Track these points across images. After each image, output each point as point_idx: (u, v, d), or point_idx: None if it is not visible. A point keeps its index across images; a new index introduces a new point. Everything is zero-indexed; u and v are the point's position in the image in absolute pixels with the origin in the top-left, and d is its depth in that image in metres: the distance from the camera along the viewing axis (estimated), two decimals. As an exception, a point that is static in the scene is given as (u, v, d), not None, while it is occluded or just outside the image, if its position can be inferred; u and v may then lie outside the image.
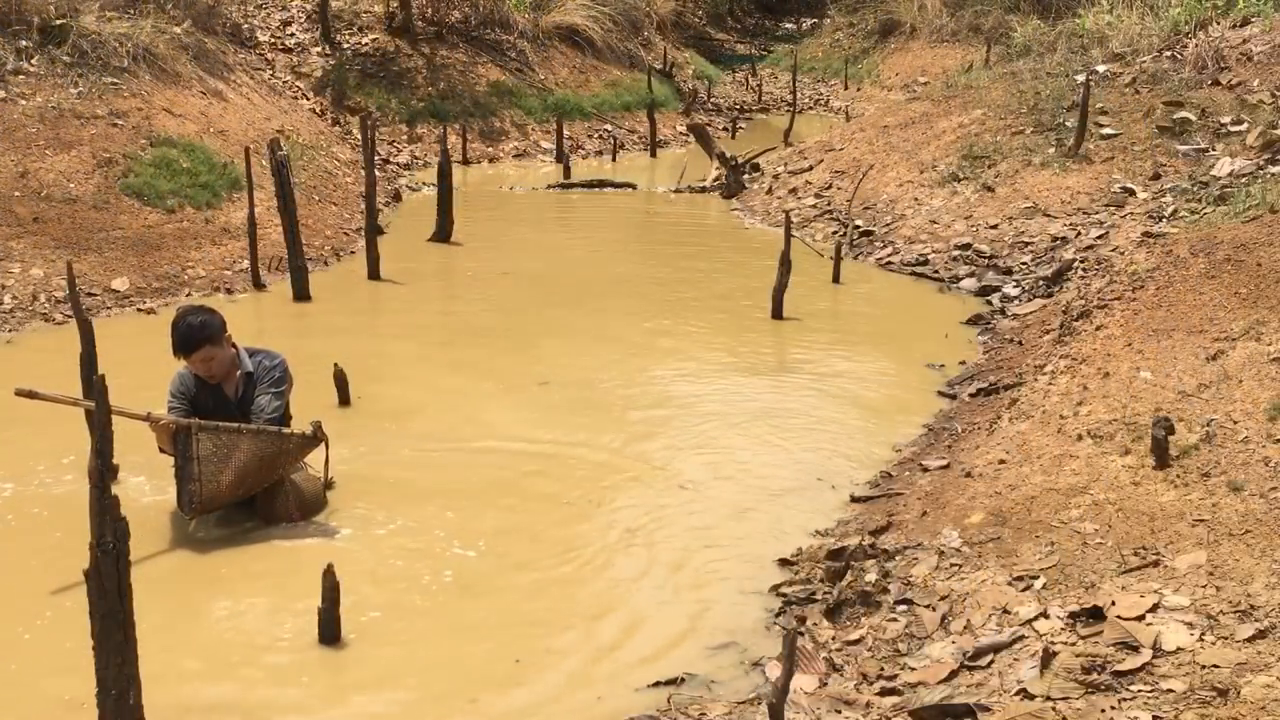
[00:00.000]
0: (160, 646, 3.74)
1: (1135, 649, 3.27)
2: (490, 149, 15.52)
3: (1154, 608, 3.45)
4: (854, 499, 5.15)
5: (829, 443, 5.84)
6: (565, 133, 15.62)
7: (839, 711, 3.40)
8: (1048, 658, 3.30)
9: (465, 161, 14.60)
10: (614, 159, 16.05)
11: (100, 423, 3.02)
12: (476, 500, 5.06)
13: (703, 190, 13.28)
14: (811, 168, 12.62)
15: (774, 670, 3.68)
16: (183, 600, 4.22)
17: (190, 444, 4.49)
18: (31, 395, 4.39)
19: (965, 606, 3.81)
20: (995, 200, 10.06)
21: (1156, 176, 9.44)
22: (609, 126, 17.21)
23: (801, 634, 3.90)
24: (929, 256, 9.54)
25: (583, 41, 18.30)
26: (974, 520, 4.39)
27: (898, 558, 4.29)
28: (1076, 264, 8.29)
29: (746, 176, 13.24)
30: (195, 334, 4.66)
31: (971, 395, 6.30)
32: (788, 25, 32.67)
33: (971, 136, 11.20)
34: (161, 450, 4.72)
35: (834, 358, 7.26)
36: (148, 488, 4.97)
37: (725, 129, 18.73)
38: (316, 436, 4.64)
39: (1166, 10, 12.32)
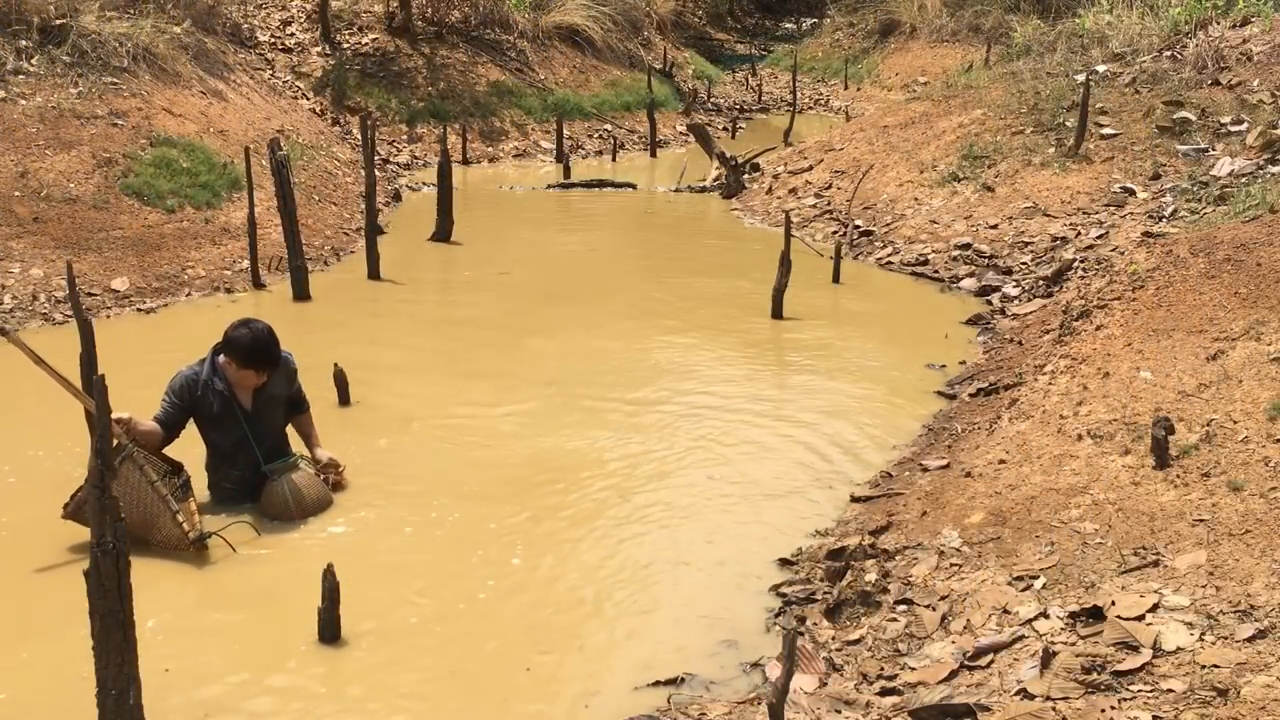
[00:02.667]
0: (160, 646, 3.75)
1: (1135, 649, 3.27)
2: (490, 149, 15.52)
3: (1154, 608, 3.45)
4: (854, 499, 5.15)
5: (829, 442, 5.84)
6: (565, 133, 15.62)
7: (839, 711, 3.40)
8: (1048, 658, 3.30)
9: (465, 161, 14.60)
10: (614, 159, 16.05)
11: (100, 423, 3.02)
12: (477, 500, 5.06)
13: (703, 190, 13.28)
14: (811, 168, 12.62)
15: (774, 670, 3.68)
16: (183, 599, 4.22)
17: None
18: (38, 360, 4.28)
19: (965, 606, 3.81)
20: (995, 200, 10.06)
21: (1156, 176, 9.44)
22: (609, 126, 17.21)
23: (801, 634, 3.90)
24: (929, 256, 9.54)
25: (583, 41, 18.31)
26: (974, 520, 4.39)
27: (898, 558, 4.29)
28: (1076, 264, 8.29)
29: (746, 176, 13.24)
30: (275, 350, 4.72)
31: (971, 395, 6.30)
32: (788, 25, 32.71)
33: (971, 136, 11.20)
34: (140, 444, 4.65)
35: (833, 358, 7.26)
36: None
37: (725, 129, 18.73)
38: (195, 544, 4.43)
39: (1166, 10, 12.32)
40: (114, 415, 4.33)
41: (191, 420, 4.87)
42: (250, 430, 4.83)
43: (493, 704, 3.66)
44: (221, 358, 4.79)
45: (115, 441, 4.36)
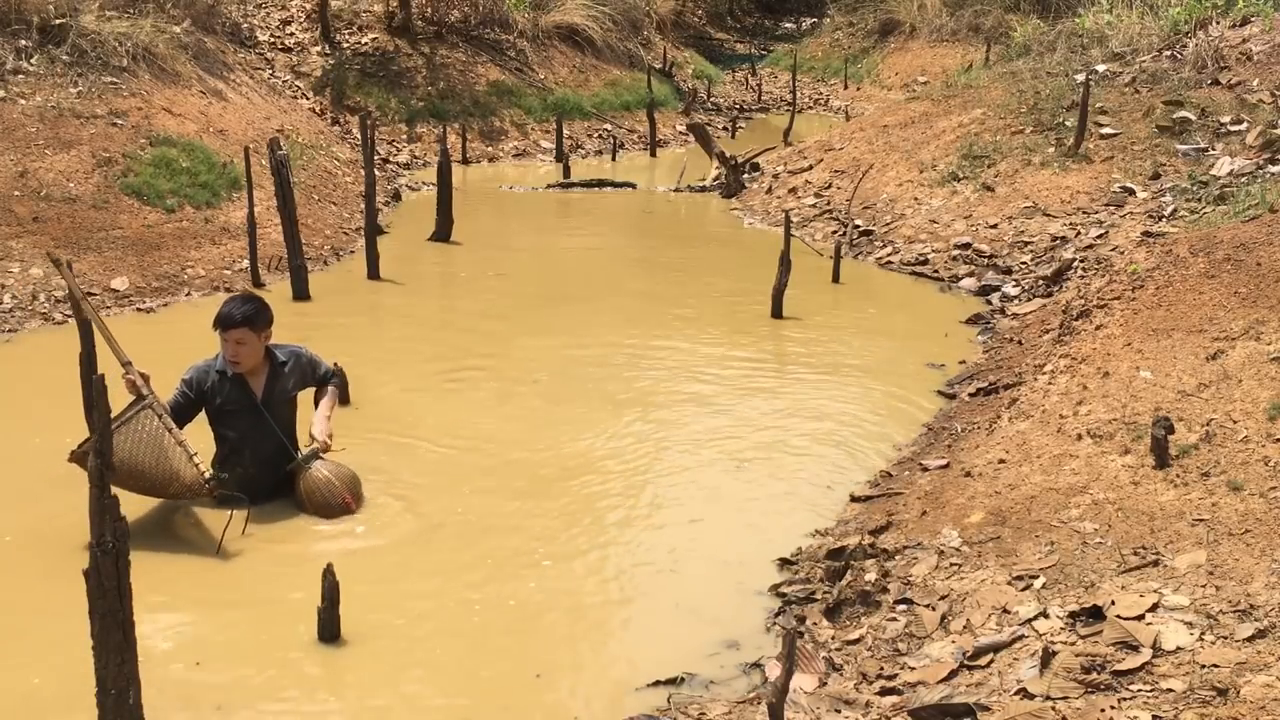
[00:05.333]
0: (160, 645, 3.74)
1: (1135, 649, 3.27)
2: (490, 148, 15.52)
3: (1154, 607, 3.45)
4: (854, 499, 5.15)
5: (828, 442, 5.84)
6: (565, 132, 15.62)
7: (838, 711, 3.40)
8: (1047, 657, 3.31)
9: (465, 161, 14.59)
10: (614, 159, 16.05)
11: (100, 424, 3.02)
12: (478, 499, 5.06)
13: (702, 190, 13.27)
14: (811, 167, 12.62)
15: (774, 670, 3.68)
16: (183, 598, 4.21)
17: (130, 409, 4.46)
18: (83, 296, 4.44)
19: (965, 606, 3.81)
20: (995, 200, 10.06)
21: (1156, 176, 9.44)
22: (609, 126, 17.20)
23: (801, 634, 3.90)
24: (929, 256, 9.54)
25: (582, 41, 18.29)
26: (974, 520, 4.39)
27: (897, 557, 4.29)
28: (1076, 263, 8.30)
29: (746, 176, 13.23)
30: (235, 312, 4.78)
31: (971, 395, 6.30)
32: (787, 25, 32.69)
33: (971, 136, 11.20)
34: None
35: (833, 357, 7.26)
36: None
37: (725, 129, 18.72)
38: (209, 489, 4.57)
39: (1166, 10, 12.31)
40: (138, 369, 4.54)
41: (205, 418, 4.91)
42: (259, 423, 4.84)
43: (492, 703, 3.66)
44: None
45: (137, 392, 4.53)
